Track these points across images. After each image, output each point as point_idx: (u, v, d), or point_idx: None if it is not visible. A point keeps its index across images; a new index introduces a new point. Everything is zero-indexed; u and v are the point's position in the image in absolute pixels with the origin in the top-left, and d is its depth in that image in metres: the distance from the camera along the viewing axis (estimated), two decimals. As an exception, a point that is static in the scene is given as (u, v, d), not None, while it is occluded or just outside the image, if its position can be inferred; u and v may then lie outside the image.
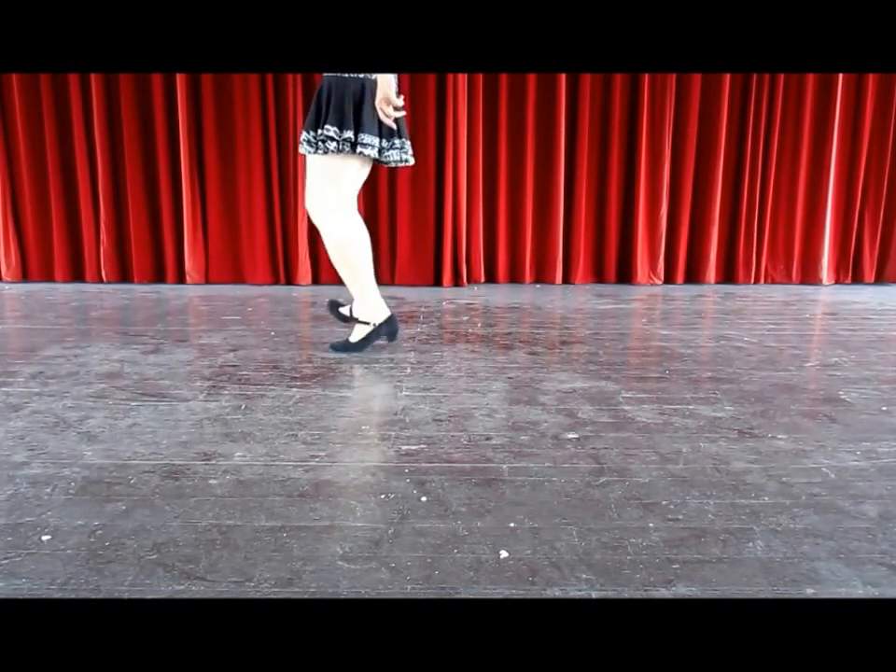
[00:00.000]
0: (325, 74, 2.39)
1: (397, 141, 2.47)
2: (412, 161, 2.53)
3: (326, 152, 2.35)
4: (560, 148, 4.21)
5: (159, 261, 4.26)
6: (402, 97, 2.37)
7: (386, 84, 2.29)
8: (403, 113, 2.39)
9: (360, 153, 2.36)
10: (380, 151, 2.41)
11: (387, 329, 2.65)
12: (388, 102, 2.31)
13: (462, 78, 4.03)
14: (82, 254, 4.23)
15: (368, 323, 2.62)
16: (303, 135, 2.42)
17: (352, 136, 2.34)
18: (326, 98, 2.35)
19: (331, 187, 2.43)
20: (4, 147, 4.09)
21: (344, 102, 2.33)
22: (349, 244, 2.50)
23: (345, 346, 2.65)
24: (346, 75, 2.33)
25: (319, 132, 2.35)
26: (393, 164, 2.52)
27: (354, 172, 2.45)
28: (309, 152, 2.41)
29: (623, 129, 4.27)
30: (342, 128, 2.33)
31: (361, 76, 2.33)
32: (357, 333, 2.64)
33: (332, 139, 2.33)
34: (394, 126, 2.39)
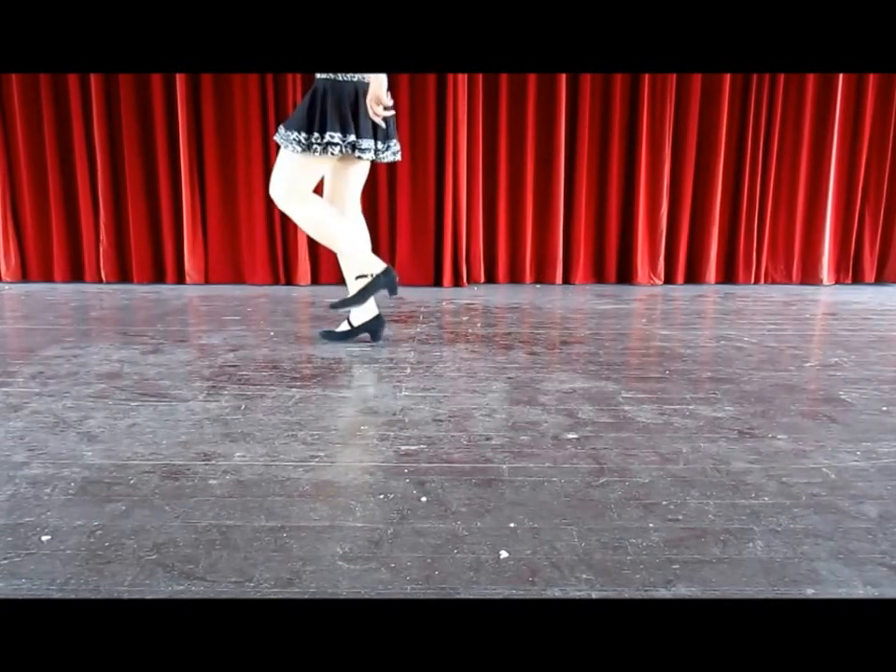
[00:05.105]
0: (318, 76, 2.40)
1: (391, 143, 2.51)
2: (400, 157, 2.60)
3: (332, 155, 2.41)
4: (560, 148, 4.20)
5: (158, 262, 4.26)
6: (391, 98, 2.41)
7: (378, 84, 2.31)
8: (392, 112, 2.41)
9: (359, 157, 2.45)
10: (376, 153, 2.47)
11: (385, 281, 2.54)
12: (378, 101, 2.32)
13: (462, 78, 4.03)
14: (82, 254, 4.23)
15: (365, 276, 2.54)
16: (293, 135, 2.41)
17: (354, 139, 2.39)
18: (321, 102, 2.36)
19: (296, 177, 2.47)
20: (4, 147, 4.09)
21: (342, 106, 2.36)
22: (314, 214, 2.52)
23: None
24: (340, 78, 2.35)
25: (316, 135, 2.38)
26: (384, 161, 2.57)
27: (320, 169, 2.51)
28: (297, 151, 2.42)
29: (623, 129, 4.27)
30: (345, 133, 2.37)
31: (354, 79, 2.36)
32: (354, 288, 2.57)
33: (336, 144, 2.38)
34: (383, 125, 2.41)
